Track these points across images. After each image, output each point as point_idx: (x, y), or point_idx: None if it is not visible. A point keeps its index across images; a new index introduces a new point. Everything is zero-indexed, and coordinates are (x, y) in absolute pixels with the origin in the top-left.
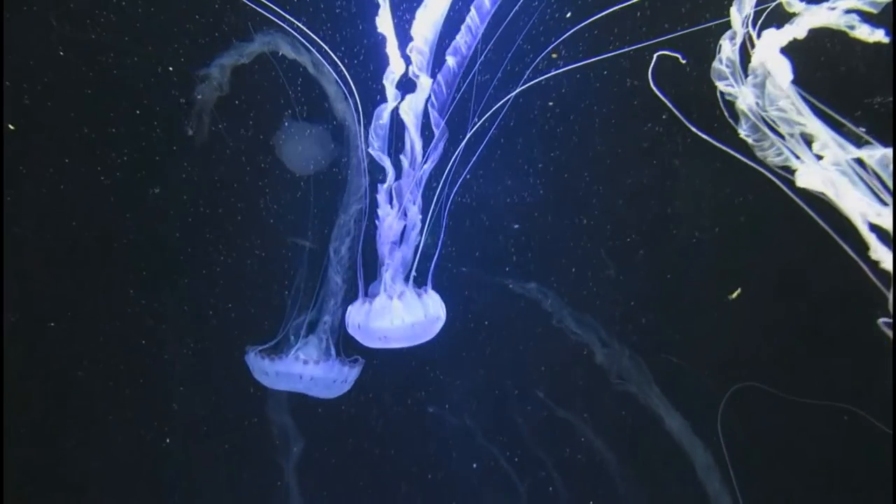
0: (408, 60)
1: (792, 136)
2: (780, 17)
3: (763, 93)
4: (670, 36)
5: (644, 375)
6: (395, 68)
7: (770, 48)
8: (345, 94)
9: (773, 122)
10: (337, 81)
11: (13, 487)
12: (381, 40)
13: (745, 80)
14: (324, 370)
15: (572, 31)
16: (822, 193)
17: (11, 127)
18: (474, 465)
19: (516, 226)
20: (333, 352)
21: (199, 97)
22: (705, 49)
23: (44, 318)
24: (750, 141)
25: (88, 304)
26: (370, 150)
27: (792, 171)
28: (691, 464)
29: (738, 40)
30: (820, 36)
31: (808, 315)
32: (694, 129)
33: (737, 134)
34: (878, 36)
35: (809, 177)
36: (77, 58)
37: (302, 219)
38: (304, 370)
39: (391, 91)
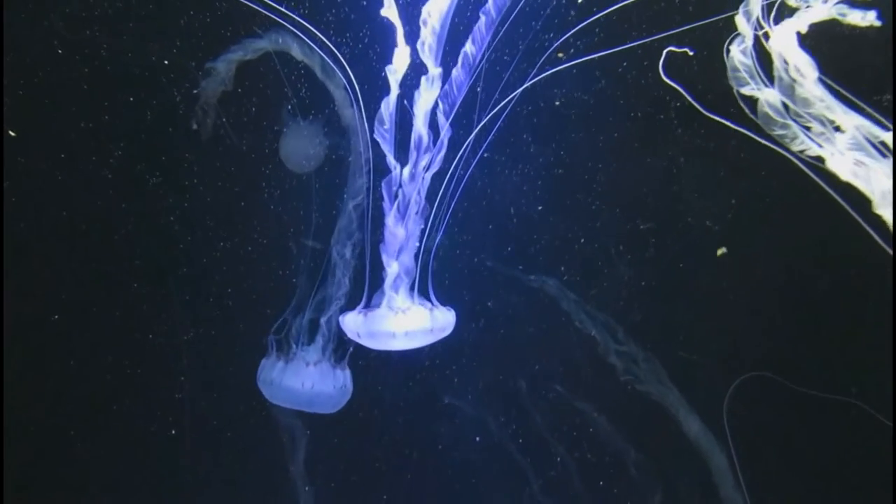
0: (413, 51)
1: (823, 133)
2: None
3: (792, 94)
4: (681, 29)
5: (658, 373)
6: (399, 63)
7: (790, 44)
8: (351, 101)
9: (799, 115)
10: (345, 87)
11: (13, 488)
12: (386, 25)
13: (761, 79)
14: (325, 374)
15: (580, 26)
16: (851, 183)
17: (12, 133)
18: (477, 439)
19: (533, 214)
20: (333, 357)
21: (202, 91)
22: (717, 38)
23: (45, 312)
24: (786, 141)
25: (88, 295)
26: (375, 135)
27: (815, 158)
28: (702, 458)
29: (749, 42)
30: (828, 33)
31: (820, 308)
32: (717, 119)
33: (751, 123)
34: (871, 19)
35: (839, 167)
36: (75, 52)
37: (306, 205)
38: (306, 375)
39: (395, 86)
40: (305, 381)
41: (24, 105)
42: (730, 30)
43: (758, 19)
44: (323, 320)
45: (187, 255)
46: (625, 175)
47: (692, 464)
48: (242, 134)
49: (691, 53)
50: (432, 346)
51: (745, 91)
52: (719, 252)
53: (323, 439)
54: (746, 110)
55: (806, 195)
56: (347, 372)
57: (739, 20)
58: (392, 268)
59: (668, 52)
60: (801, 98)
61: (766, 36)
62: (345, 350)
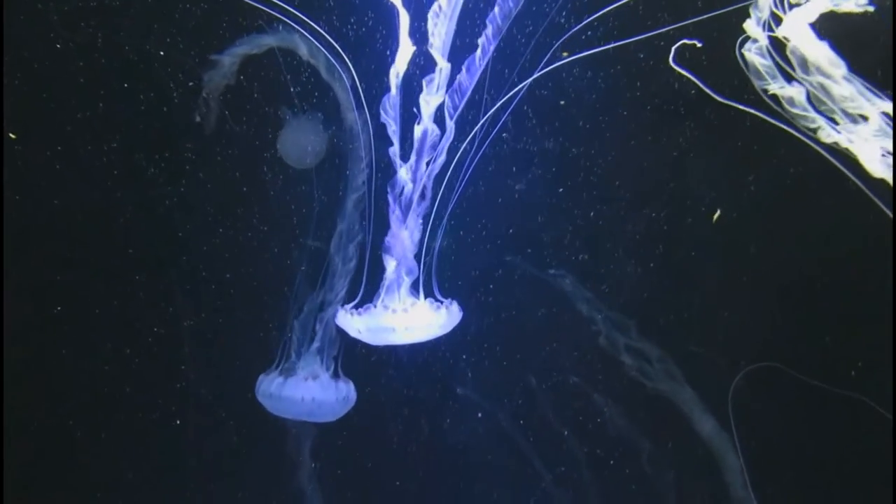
0: (416, 39)
1: (853, 130)
2: None
3: (819, 89)
4: (694, 20)
5: (671, 370)
6: (403, 55)
7: (808, 43)
8: (353, 105)
9: (826, 109)
10: (349, 90)
11: (13, 486)
12: (390, 7)
13: (786, 72)
14: (327, 388)
15: (591, 17)
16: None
17: (12, 136)
18: (480, 415)
19: (543, 205)
20: (333, 369)
21: (205, 83)
22: (728, 27)
23: (45, 303)
24: (817, 133)
25: (87, 285)
26: (382, 119)
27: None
28: (715, 455)
29: (764, 41)
30: (840, 28)
31: (833, 300)
32: (734, 105)
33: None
34: (863, 2)
35: (869, 161)
36: (72, 44)
37: (307, 191)
38: (307, 391)
39: (399, 78)
40: (306, 395)
41: (22, 98)
42: (741, 17)
43: (769, 20)
44: (322, 327)
45: (187, 243)
46: (637, 165)
47: (705, 460)
48: (243, 120)
49: (699, 45)
50: (446, 339)
51: (772, 90)
52: (715, 217)
53: (331, 427)
54: (773, 105)
55: (820, 184)
56: (350, 385)
57: (750, 24)
58: (391, 265)
59: (679, 45)
60: (828, 93)
61: (783, 34)
62: (346, 358)
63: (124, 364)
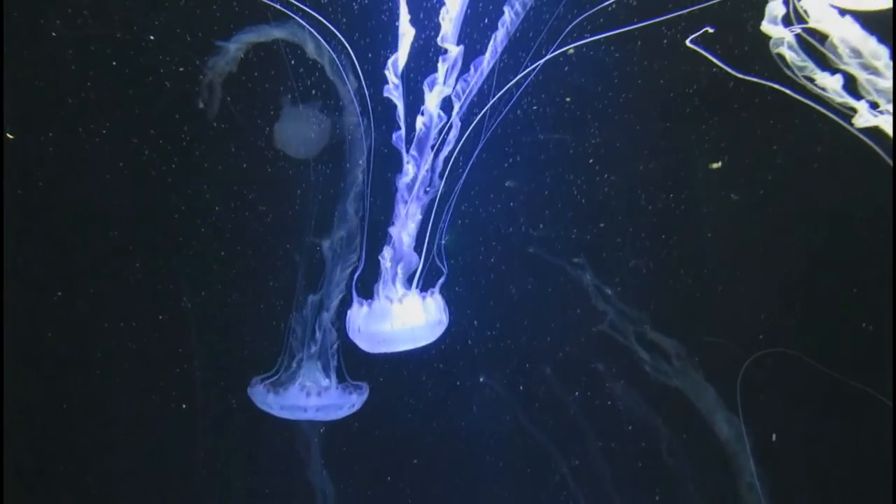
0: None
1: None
2: None
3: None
4: (709, 3)
5: (688, 364)
6: (402, 53)
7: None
8: (357, 104)
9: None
10: (351, 91)
11: (13, 477)
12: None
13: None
14: (332, 397)
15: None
16: None
17: (10, 136)
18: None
19: (548, 196)
20: (335, 377)
21: (210, 69)
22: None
23: (45, 290)
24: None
25: (86, 272)
26: (384, 93)
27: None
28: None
29: (790, 37)
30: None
31: (836, 293)
32: (755, 80)
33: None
34: None
35: None
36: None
37: (305, 171)
38: (309, 402)
39: (393, 80)
40: (309, 405)
41: (19, 90)
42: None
43: (795, 5)
44: (321, 331)
45: (185, 224)
46: (649, 151)
47: (717, 450)
48: (243, 90)
49: (711, 31)
50: (462, 328)
51: (819, 79)
52: (714, 166)
53: None
54: (814, 88)
55: (842, 171)
56: (357, 391)
57: (765, 25)
58: (389, 258)
59: (703, 31)
60: (871, 82)
61: (809, 31)
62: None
63: (126, 349)
